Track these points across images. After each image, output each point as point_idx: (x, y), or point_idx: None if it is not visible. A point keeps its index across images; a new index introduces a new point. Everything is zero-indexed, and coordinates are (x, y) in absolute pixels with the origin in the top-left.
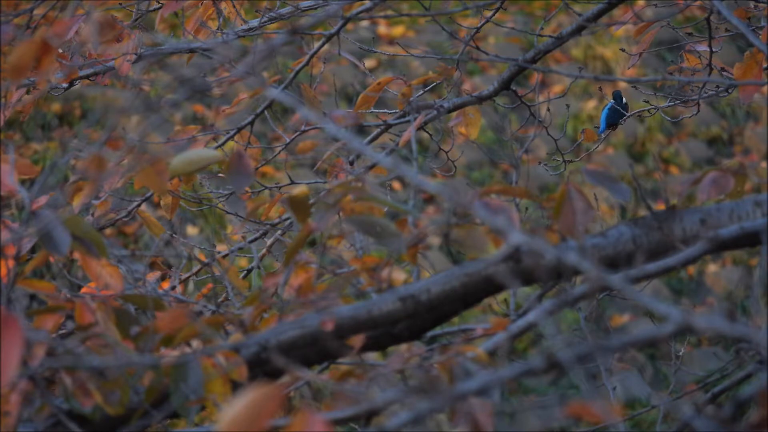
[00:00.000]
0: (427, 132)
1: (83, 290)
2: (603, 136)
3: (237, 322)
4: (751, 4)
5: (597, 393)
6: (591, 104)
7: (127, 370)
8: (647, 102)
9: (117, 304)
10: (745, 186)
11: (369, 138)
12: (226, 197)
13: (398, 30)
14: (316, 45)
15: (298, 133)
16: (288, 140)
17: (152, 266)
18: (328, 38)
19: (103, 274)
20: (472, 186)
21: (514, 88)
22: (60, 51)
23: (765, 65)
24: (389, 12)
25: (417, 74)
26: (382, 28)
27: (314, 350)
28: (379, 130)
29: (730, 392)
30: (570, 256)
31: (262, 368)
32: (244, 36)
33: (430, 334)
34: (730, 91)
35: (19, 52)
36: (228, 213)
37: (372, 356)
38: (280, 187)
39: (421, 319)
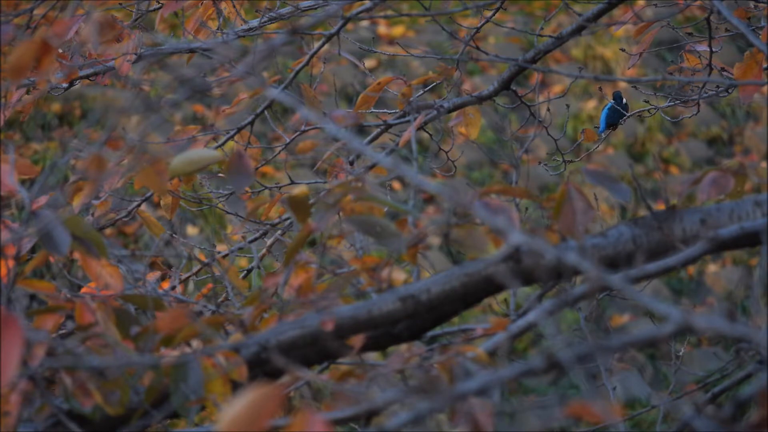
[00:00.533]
0: (427, 132)
1: (83, 290)
2: (603, 136)
3: (237, 322)
4: (751, 4)
5: (597, 393)
6: (591, 104)
7: (127, 370)
8: (647, 102)
9: (117, 304)
10: (745, 186)
11: (369, 138)
12: (226, 197)
13: (398, 30)
14: (316, 45)
15: (298, 133)
16: (288, 140)
17: (152, 266)
18: (328, 38)
19: (103, 274)
20: (472, 186)
21: (514, 88)
22: (60, 51)
23: (765, 65)
24: (389, 12)
25: (417, 74)
26: (382, 28)
27: (314, 350)
28: (379, 130)
29: (730, 392)
30: (570, 256)
31: (262, 368)
32: (244, 36)
33: (430, 334)
34: (730, 91)
35: (19, 52)
36: (228, 213)
37: (372, 356)
38: (280, 187)
39: (421, 319)
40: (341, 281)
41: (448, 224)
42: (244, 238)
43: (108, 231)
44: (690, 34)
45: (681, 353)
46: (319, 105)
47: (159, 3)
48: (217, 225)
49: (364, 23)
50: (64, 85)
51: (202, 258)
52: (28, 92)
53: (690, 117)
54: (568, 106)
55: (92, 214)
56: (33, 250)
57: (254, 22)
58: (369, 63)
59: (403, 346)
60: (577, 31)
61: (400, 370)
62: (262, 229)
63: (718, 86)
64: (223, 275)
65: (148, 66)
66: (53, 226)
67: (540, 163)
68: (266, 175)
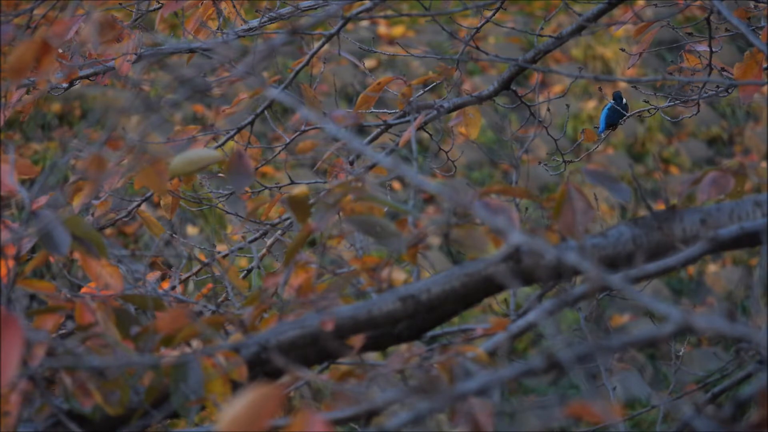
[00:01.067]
0: (427, 132)
1: (83, 290)
2: (603, 136)
3: (237, 322)
4: (751, 4)
5: (597, 393)
6: (591, 104)
7: (127, 370)
8: (647, 102)
9: (117, 304)
10: (745, 186)
11: (369, 138)
12: (226, 197)
13: (398, 30)
14: (316, 45)
15: (298, 133)
16: (288, 140)
17: (152, 266)
18: (328, 38)
19: (103, 274)
20: (472, 186)
21: (514, 88)
22: (60, 51)
23: (765, 65)
24: (389, 12)
25: (417, 74)
26: (382, 28)
27: (314, 350)
28: (379, 130)
29: (730, 392)
30: (570, 256)
31: (262, 368)
32: (244, 36)
33: (430, 334)
34: (730, 91)
35: (19, 52)
36: (228, 213)
37: (372, 356)
38: (280, 187)
39: (421, 319)
40: (341, 281)
41: (448, 224)
42: (244, 238)
43: (108, 231)
44: (690, 34)
45: (681, 353)
46: (319, 105)
47: (159, 3)
48: (217, 225)
49: (364, 23)
50: (64, 85)
51: (202, 258)
52: (28, 92)
53: (690, 117)
54: (568, 106)
55: (92, 214)
56: (33, 250)
57: (254, 22)
58: (369, 63)
59: (403, 346)
60: (577, 31)
61: (400, 370)
62: (262, 229)
63: (718, 86)
64: (223, 275)
65: (148, 66)
66: (53, 226)
67: (540, 163)
68: (266, 175)
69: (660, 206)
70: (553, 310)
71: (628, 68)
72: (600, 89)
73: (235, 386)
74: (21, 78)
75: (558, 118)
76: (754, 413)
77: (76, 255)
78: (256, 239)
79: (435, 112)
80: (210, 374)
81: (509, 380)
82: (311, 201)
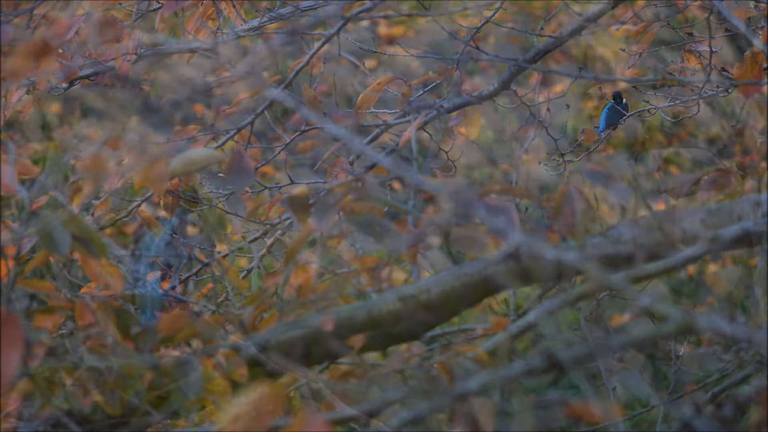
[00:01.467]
0: (427, 132)
1: (83, 290)
2: (603, 136)
3: (237, 322)
4: (751, 4)
5: (597, 393)
6: (591, 104)
7: (127, 370)
8: (647, 102)
9: (117, 304)
10: (745, 186)
11: (369, 138)
12: (226, 197)
13: (398, 30)
14: (316, 45)
15: (298, 133)
16: (288, 140)
17: (152, 266)
18: (328, 38)
19: (103, 274)
20: (472, 186)
21: (514, 88)
22: (60, 51)
23: (765, 65)
24: (389, 12)
25: (417, 74)
26: (382, 28)
27: (314, 350)
28: (379, 130)
29: (730, 392)
30: (570, 256)
31: (262, 368)
32: (244, 36)
33: (430, 334)
34: (730, 91)
35: (19, 52)
36: (228, 213)
37: (372, 356)
38: (280, 187)
39: (421, 319)
40: (341, 281)
41: (448, 224)
42: (244, 238)
43: (108, 231)
44: (690, 34)
45: (681, 353)
46: (319, 105)
47: (159, 3)
48: (217, 225)
49: (364, 23)
50: (64, 85)
51: (202, 258)
52: (28, 92)
53: (690, 117)
54: (568, 106)
55: (92, 214)
56: (33, 250)
57: (254, 22)
58: (369, 63)
59: (403, 346)
60: (577, 31)
61: (400, 370)
62: (262, 229)
63: (718, 86)
64: (223, 275)
65: (148, 66)
66: (53, 226)
67: (540, 163)
68: (266, 175)
69: (660, 206)
70: (553, 310)
71: (628, 68)
72: (600, 89)
73: (235, 386)
74: (21, 78)
75: (558, 118)
76: (754, 413)
77: (76, 255)
78: (256, 239)
79: (435, 112)
80: (210, 374)
81: (509, 380)
82: (311, 201)
